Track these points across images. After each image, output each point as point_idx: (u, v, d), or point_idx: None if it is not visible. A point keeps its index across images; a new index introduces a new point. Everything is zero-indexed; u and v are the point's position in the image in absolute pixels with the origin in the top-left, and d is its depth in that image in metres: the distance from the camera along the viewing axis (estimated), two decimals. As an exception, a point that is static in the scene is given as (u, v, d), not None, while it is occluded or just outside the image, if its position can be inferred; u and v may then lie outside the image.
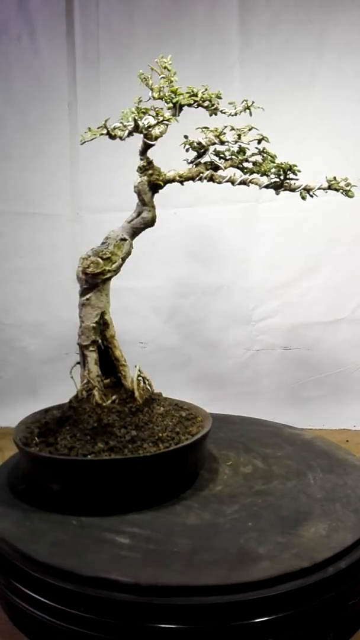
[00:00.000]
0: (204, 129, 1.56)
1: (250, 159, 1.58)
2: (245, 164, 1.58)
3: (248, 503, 1.45)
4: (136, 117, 1.43)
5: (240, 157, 1.57)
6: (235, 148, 1.58)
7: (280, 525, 1.34)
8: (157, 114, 1.48)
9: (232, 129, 1.55)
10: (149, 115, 1.48)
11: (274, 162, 1.54)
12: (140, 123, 1.45)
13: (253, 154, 1.58)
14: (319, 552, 1.23)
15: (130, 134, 1.46)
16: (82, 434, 1.46)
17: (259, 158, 1.57)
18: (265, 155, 1.56)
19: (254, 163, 1.57)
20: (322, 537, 1.29)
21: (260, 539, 1.28)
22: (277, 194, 1.57)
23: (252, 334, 2.64)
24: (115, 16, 2.46)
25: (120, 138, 1.47)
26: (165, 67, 1.51)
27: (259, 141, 1.55)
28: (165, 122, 1.48)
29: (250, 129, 1.54)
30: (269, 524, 1.35)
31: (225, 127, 1.55)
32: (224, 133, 1.55)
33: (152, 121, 1.47)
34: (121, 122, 1.45)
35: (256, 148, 1.57)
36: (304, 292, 2.57)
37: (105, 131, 1.43)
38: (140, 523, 1.36)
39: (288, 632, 1.16)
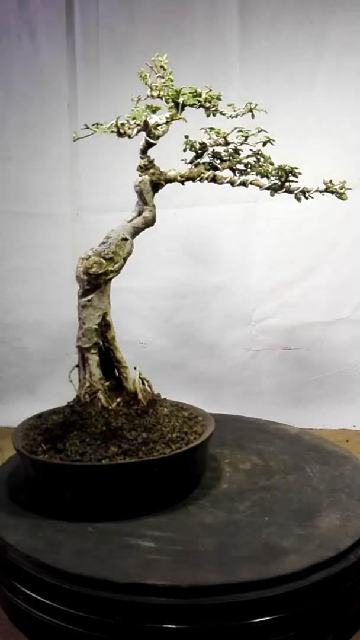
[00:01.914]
0: (209, 130, 1.56)
1: (243, 161, 1.57)
2: (238, 166, 1.58)
3: (258, 499, 1.47)
4: (148, 116, 1.43)
5: (235, 159, 1.57)
6: (232, 149, 1.57)
7: (295, 518, 1.37)
8: (153, 112, 1.47)
9: (241, 130, 1.54)
10: (153, 114, 1.47)
11: (273, 164, 1.53)
12: (150, 122, 1.44)
13: (248, 156, 1.57)
14: (340, 541, 1.27)
15: (138, 132, 1.46)
16: (91, 438, 1.43)
17: (253, 160, 1.57)
18: (259, 157, 1.55)
19: (246, 165, 1.57)
20: (338, 526, 1.33)
21: (281, 532, 1.31)
22: (272, 195, 1.57)
23: (252, 334, 2.64)
24: (116, 16, 2.46)
25: (129, 136, 1.47)
26: (161, 66, 1.51)
27: (264, 144, 1.54)
28: (174, 120, 1.47)
29: (260, 131, 1.53)
30: (284, 517, 1.38)
31: (235, 128, 1.54)
32: (227, 134, 1.55)
33: (160, 120, 1.47)
34: (127, 120, 1.45)
35: (250, 150, 1.56)
36: (304, 292, 2.57)
37: (115, 129, 1.44)
38: (159, 526, 1.35)
39: (288, 632, 1.17)
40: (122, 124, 1.44)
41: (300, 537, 1.29)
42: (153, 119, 1.47)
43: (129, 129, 1.45)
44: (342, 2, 2.33)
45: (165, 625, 1.14)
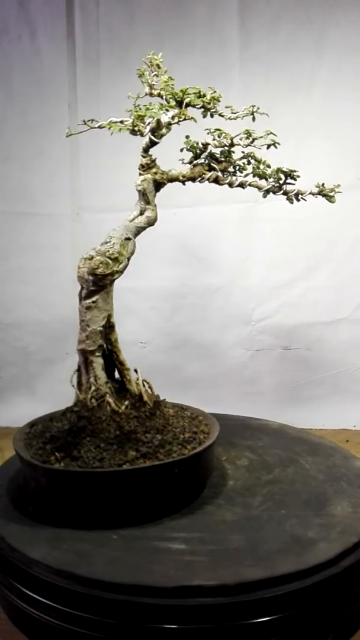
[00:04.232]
0: (213, 131, 1.55)
1: (237, 162, 1.57)
2: (230, 168, 1.58)
3: (267, 493, 1.49)
4: (162, 114, 1.44)
5: (231, 160, 1.57)
6: (226, 151, 1.57)
7: (309, 508, 1.41)
8: (163, 110, 1.47)
9: (249, 133, 1.53)
10: (163, 112, 1.47)
11: (270, 167, 1.53)
12: (163, 120, 1.44)
13: (241, 158, 1.57)
14: (359, 527, 1.32)
15: (151, 130, 1.47)
16: (106, 444, 1.39)
17: (242, 162, 1.57)
18: (250, 159, 1.55)
19: (235, 166, 1.57)
20: (351, 513, 1.38)
21: (302, 523, 1.34)
22: (265, 197, 1.57)
23: (252, 334, 2.64)
24: (116, 16, 2.46)
25: (142, 134, 1.47)
26: (157, 65, 1.51)
27: (268, 146, 1.53)
28: (185, 120, 1.47)
29: (269, 134, 1.52)
30: (299, 509, 1.41)
31: (247, 130, 1.54)
32: (233, 136, 1.54)
33: (171, 119, 1.47)
34: (137, 118, 1.45)
35: (242, 152, 1.56)
36: (304, 292, 2.57)
37: (131, 127, 1.45)
38: (183, 527, 1.34)
39: (288, 633, 1.17)
40: (134, 122, 1.44)
41: (322, 526, 1.33)
42: (164, 118, 1.47)
43: (143, 127, 1.46)
44: (342, 2, 2.34)
45: (207, 625, 1.13)
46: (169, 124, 1.47)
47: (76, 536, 1.31)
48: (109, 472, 1.33)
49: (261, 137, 1.52)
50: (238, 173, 1.57)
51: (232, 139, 1.54)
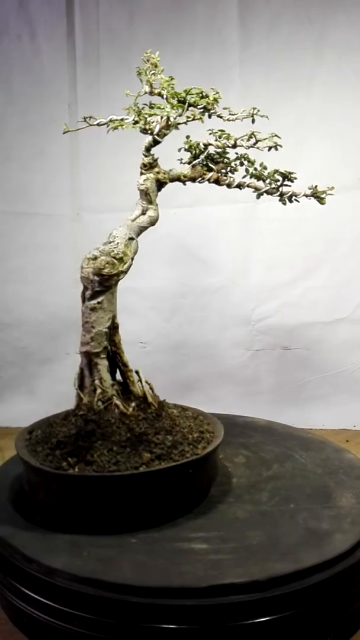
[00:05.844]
0: (217, 132, 1.54)
1: (232, 164, 1.57)
2: (224, 169, 1.58)
3: (272, 488, 1.50)
4: (173, 113, 1.44)
5: (227, 161, 1.56)
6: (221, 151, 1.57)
7: (316, 501, 1.43)
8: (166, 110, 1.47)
9: (253, 134, 1.52)
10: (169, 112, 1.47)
11: (266, 168, 1.53)
12: (172, 119, 1.44)
13: (235, 159, 1.57)
14: None
15: (161, 129, 1.46)
16: (119, 447, 1.36)
17: (234, 164, 1.56)
18: (243, 160, 1.55)
19: (225, 167, 1.56)
20: (356, 504, 1.41)
21: (314, 516, 1.36)
22: (258, 197, 1.56)
23: (252, 334, 2.64)
24: (116, 16, 2.46)
25: (151, 132, 1.47)
26: (154, 64, 1.51)
27: (270, 148, 1.53)
28: (194, 120, 1.47)
29: (273, 136, 1.51)
30: (307, 502, 1.43)
31: (252, 132, 1.52)
32: (236, 138, 1.54)
33: (179, 118, 1.47)
34: (145, 117, 1.45)
35: (236, 153, 1.56)
36: (304, 292, 2.57)
37: (143, 125, 1.45)
38: (200, 527, 1.34)
39: (288, 633, 1.17)
40: (146, 120, 1.44)
41: (333, 518, 1.35)
42: (172, 117, 1.47)
43: (153, 125, 1.46)
44: (342, 2, 2.34)
45: (246, 622, 1.15)
46: (178, 123, 1.47)
47: (94, 542, 1.28)
48: (128, 475, 1.31)
49: (265, 139, 1.52)
50: (229, 174, 1.57)
51: (235, 140, 1.54)
